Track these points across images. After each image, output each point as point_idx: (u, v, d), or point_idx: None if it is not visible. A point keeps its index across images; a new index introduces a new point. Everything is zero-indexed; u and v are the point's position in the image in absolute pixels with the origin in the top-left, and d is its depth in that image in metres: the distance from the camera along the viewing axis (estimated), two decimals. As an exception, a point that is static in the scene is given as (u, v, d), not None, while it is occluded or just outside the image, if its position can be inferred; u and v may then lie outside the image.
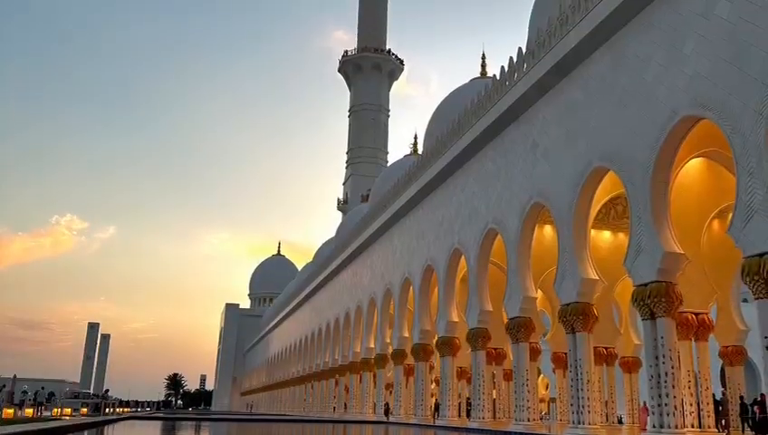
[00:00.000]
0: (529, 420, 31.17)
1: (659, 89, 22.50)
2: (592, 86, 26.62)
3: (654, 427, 22.58)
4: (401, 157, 73.18)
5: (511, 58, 32.88)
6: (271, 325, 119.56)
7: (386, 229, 53.75)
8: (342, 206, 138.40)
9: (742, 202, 19.01)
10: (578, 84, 27.70)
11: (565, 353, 32.18)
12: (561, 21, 28.23)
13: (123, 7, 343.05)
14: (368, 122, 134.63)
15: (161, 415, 67.94)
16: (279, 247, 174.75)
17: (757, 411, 28.11)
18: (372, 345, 56.16)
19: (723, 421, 30.80)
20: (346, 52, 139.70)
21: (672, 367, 22.36)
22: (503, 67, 33.56)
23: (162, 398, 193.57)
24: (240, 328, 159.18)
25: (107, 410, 61.96)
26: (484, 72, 51.68)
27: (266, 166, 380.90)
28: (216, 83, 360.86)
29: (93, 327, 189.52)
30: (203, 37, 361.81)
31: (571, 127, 27.97)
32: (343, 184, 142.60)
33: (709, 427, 27.23)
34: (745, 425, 29.55)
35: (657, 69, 22.73)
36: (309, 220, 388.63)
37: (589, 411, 26.50)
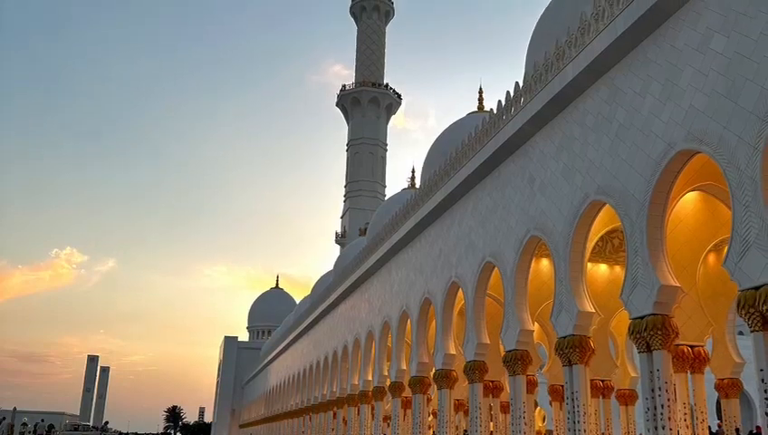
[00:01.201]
0: (526, 453, 31.02)
1: (655, 123, 22.50)
2: (589, 120, 26.60)
3: (651, 459, 22.46)
4: (399, 190, 73.10)
5: (508, 92, 32.87)
6: (269, 358, 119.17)
7: (383, 263, 53.62)
8: (340, 239, 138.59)
9: (738, 235, 18.93)
10: (575, 118, 27.69)
11: (562, 386, 32.11)
12: (558, 55, 28.27)
13: (124, 44, 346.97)
14: (365, 156, 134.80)
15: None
16: (277, 281, 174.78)
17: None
18: (370, 378, 55.74)
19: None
20: (344, 86, 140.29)
21: (668, 399, 22.18)
22: (499, 101, 33.57)
23: (161, 430, 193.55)
24: (239, 361, 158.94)
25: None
26: (481, 107, 51.48)
27: (265, 200, 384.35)
28: (215, 118, 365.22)
29: (93, 360, 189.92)
30: (202, 73, 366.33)
31: (569, 161, 27.92)
32: (341, 218, 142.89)
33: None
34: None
35: (653, 103, 22.72)
36: (307, 254, 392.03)
37: (586, 444, 26.37)
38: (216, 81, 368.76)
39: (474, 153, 36.06)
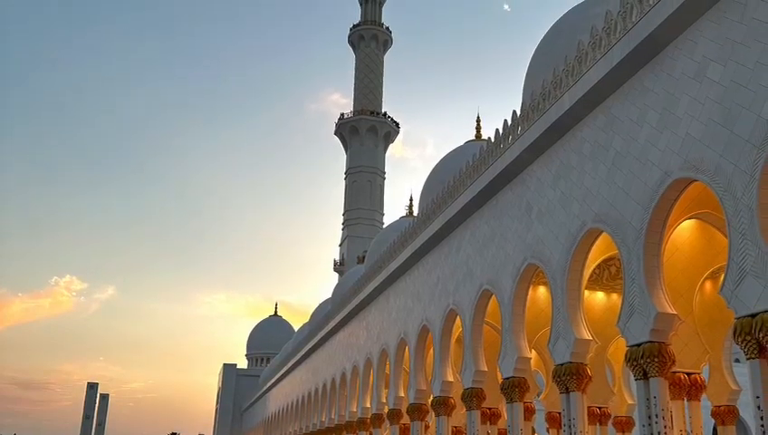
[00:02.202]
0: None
1: (652, 151, 22.45)
2: (586, 149, 26.55)
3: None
4: (397, 218, 73.00)
5: (505, 121, 32.84)
6: (268, 385, 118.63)
7: (381, 290, 53.41)
8: (339, 267, 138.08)
9: (734, 263, 18.84)
10: (572, 147, 27.64)
11: (559, 413, 31.83)
12: (555, 84, 28.25)
13: (124, 73, 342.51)
14: (364, 185, 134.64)
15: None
16: (276, 308, 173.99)
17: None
18: (368, 405, 55.42)
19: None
20: (342, 114, 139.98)
21: (665, 426, 21.99)
22: (497, 130, 33.53)
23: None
24: (237, 388, 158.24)
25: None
26: (478, 135, 51.35)
27: (264, 228, 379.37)
28: (213, 147, 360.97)
29: (92, 387, 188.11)
30: (201, 102, 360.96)
31: (566, 189, 27.84)
32: (339, 245, 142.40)
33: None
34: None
35: (649, 131, 22.69)
36: (306, 281, 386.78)
37: (583, 471, 26.20)
38: (215, 109, 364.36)
39: (471, 181, 35.96)
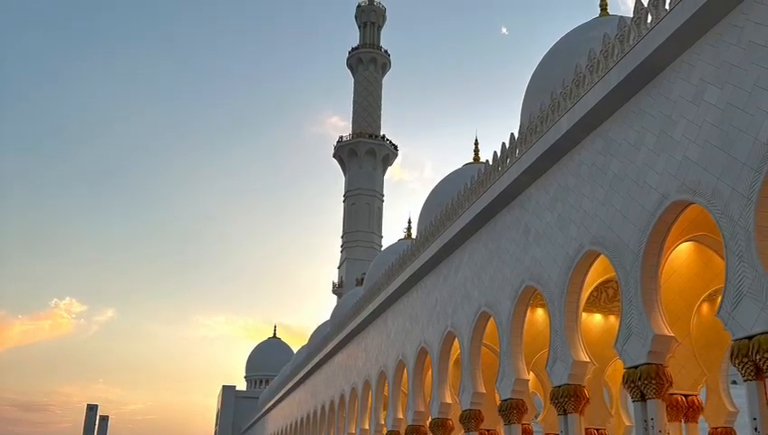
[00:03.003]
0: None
1: (649, 174, 22.38)
2: (584, 171, 26.49)
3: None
4: (396, 241, 72.84)
5: (503, 144, 32.79)
6: (267, 407, 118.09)
7: (380, 312, 53.19)
8: (337, 289, 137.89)
9: (731, 285, 18.75)
10: (569, 170, 27.59)
11: (557, 435, 31.82)
12: (553, 107, 28.23)
13: (124, 96, 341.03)
14: (362, 207, 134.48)
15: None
16: (275, 330, 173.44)
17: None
18: (367, 427, 54.98)
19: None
20: (341, 137, 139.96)
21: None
22: (495, 153, 33.48)
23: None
24: (236, 409, 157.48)
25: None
26: (477, 158, 51.20)
27: (263, 250, 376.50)
28: (212, 170, 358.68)
29: (92, 409, 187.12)
30: (200, 125, 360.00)
31: (563, 212, 27.77)
32: (338, 268, 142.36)
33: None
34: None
35: (647, 154, 22.63)
36: (304, 304, 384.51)
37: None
38: (214, 132, 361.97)
39: (469, 204, 35.88)
